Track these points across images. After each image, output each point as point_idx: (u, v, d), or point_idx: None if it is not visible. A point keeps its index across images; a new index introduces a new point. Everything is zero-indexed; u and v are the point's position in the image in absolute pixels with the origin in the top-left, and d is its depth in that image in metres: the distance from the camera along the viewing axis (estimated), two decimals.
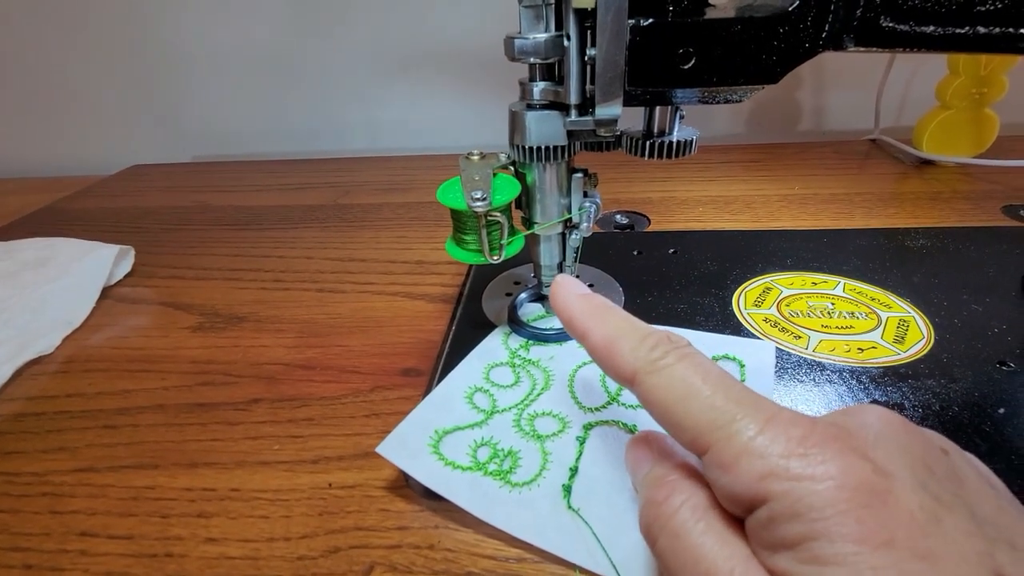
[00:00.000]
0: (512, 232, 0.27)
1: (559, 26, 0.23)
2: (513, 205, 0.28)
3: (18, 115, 0.73)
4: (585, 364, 0.28)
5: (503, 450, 0.23)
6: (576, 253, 0.29)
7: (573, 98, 0.24)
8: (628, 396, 0.26)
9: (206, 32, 0.66)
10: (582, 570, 0.19)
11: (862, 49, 0.19)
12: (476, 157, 0.27)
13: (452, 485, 0.22)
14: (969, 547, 0.13)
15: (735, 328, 0.30)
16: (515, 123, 0.26)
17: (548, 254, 0.29)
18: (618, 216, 0.46)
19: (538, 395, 0.26)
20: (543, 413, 0.25)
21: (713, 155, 0.59)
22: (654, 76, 0.21)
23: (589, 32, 0.22)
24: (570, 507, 0.21)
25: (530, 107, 0.25)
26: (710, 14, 0.21)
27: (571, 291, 0.20)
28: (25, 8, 0.66)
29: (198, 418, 0.28)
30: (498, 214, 0.26)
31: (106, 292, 0.40)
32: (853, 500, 0.13)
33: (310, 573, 0.20)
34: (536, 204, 0.28)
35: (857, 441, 0.14)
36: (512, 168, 0.28)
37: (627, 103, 0.23)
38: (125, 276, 0.42)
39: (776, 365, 0.27)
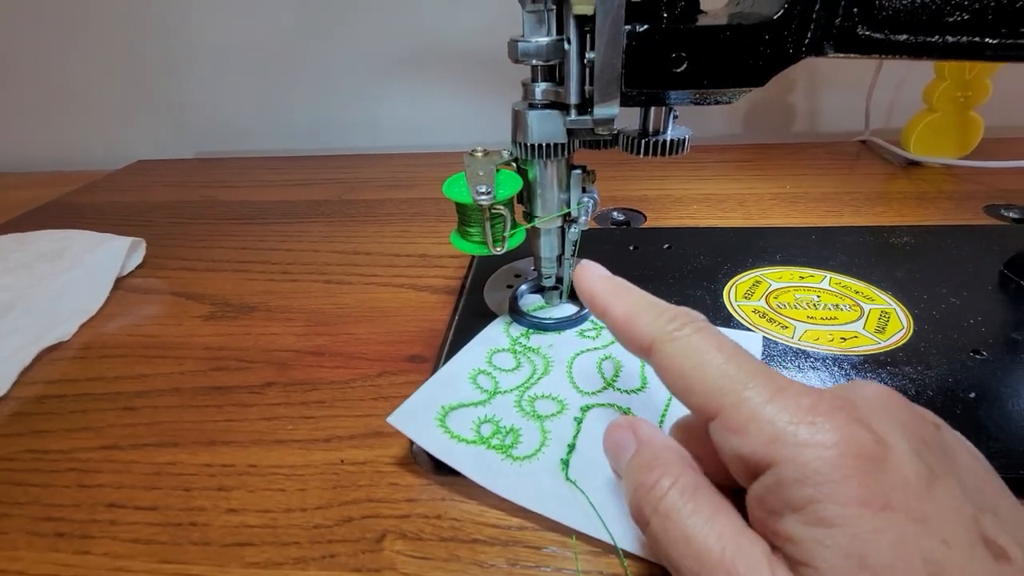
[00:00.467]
0: (514, 225, 0.29)
1: (560, 30, 0.25)
2: (515, 199, 0.29)
3: (22, 110, 0.73)
4: (583, 352, 0.29)
5: (505, 427, 0.25)
6: (575, 246, 0.31)
7: (573, 98, 0.25)
8: (623, 382, 0.27)
9: (210, 29, 0.67)
10: (579, 535, 0.21)
11: (841, 55, 0.21)
12: (480, 154, 0.29)
13: (457, 456, 0.23)
14: (958, 512, 0.14)
15: (725, 319, 0.32)
16: (518, 121, 0.27)
17: (548, 247, 0.31)
18: (615, 213, 0.47)
19: (538, 379, 0.28)
20: (543, 395, 0.27)
21: (708, 154, 0.60)
22: (649, 79, 0.23)
23: (588, 36, 0.23)
24: (568, 479, 0.22)
25: (532, 106, 0.27)
26: (702, 21, 0.22)
27: (595, 273, 0.22)
28: (29, 4, 0.67)
29: (214, 400, 0.29)
30: (501, 208, 0.27)
31: (119, 282, 0.41)
32: (856, 467, 0.13)
33: (326, 540, 0.22)
34: (537, 199, 0.29)
35: (860, 412, 0.15)
36: (514, 164, 0.29)
37: (624, 104, 0.24)
38: (136, 267, 0.44)
39: (763, 353, 0.29)
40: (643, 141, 0.26)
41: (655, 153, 0.26)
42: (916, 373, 0.27)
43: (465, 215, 0.28)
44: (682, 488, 0.16)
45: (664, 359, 0.17)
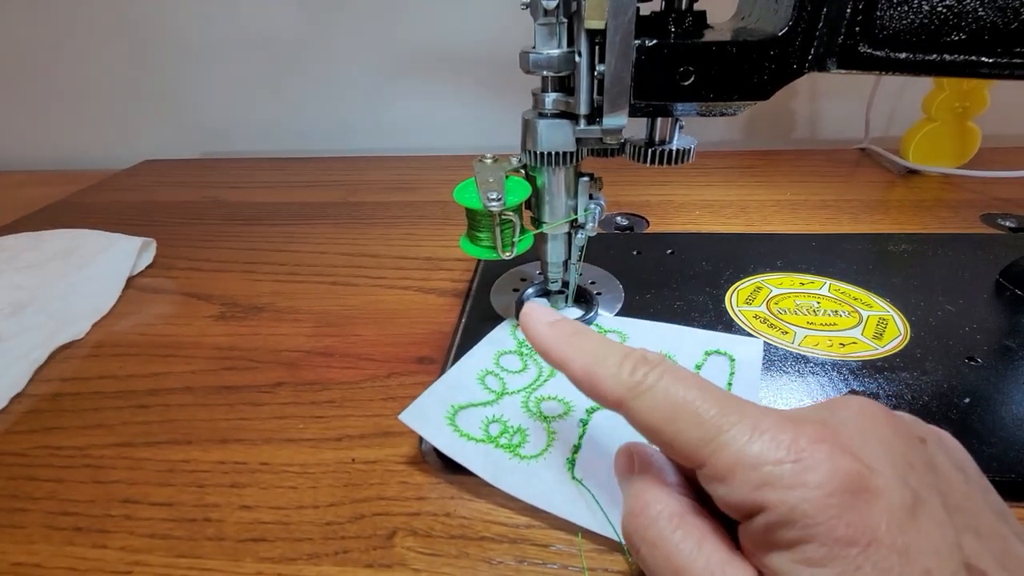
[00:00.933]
0: (523, 231, 0.29)
1: (571, 43, 0.25)
2: (523, 206, 0.30)
3: (29, 109, 0.74)
4: None
5: (512, 427, 0.25)
6: (581, 252, 0.31)
7: (582, 109, 0.26)
8: None
9: (219, 31, 0.68)
10: (584, 533, 0.21)
11: (843, 71, 0.22)
12: (489, 160, 0.30)
13: (467, 453, 0.24)
14: (941, 539, 0.14)
15: (727, 324, 0.32)
16: (528, 130, 0.28)
17: (555, 252, 0.32)
18: (619, 218, 0.48)
19: (544, 381, 0.28)
20: (549, 397, 0.27)
21: (711, 161, 0.61)
22: (657, 91, 0.24)
23: (598, 49, 0.24)
24: (574, 478, 0.23)
25: (542, 115, 0.27)
26: (708, 36, 0.23)
27: (540, 319, 0.20)
28: (40, 4, 0.67)
29: (225, 399, 0.30)
30: (511, 214, 0.28)
31: (129, 282, 0.42)
32: (842, 505, 0.14)
33: (338, 536, 0.22)
34: (545, 205, 0.30)
35: (843, 439, 0.15)
36: (523, 171, 0.30)
37: (632, 115, 0.25)
38: (146, 267, 0.44)
39: (764, 359, 0.30)
40: (650, 150, 0.27)
41: (661, 162, 0.27)
42: (912, 379, 0.28)
43: (475, 220, 0.29)
44: (670, 515, 0.16)
45: (636, 415, 0.17)
